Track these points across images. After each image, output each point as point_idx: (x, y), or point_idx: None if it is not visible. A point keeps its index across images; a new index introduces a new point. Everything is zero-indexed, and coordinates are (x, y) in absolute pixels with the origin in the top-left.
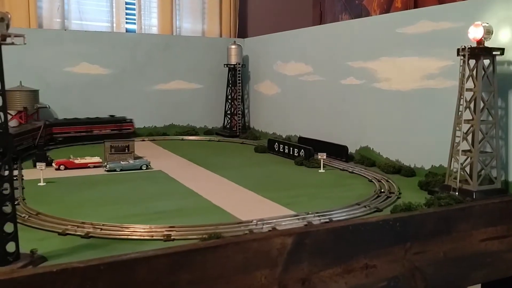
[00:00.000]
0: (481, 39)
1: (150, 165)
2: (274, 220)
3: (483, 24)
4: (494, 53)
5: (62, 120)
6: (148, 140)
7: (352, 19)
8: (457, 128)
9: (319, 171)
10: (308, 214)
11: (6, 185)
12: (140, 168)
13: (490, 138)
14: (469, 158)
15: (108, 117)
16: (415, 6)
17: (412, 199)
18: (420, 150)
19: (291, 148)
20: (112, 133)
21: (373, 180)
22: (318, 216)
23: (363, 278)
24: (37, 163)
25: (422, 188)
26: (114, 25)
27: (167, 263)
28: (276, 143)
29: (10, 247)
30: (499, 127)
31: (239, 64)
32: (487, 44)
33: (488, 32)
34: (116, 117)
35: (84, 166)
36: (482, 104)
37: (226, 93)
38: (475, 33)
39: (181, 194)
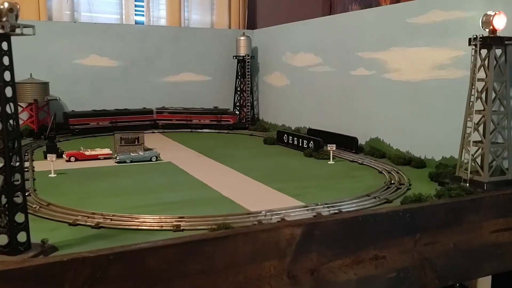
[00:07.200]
0: (493, 28)
1: (159, 157)
2: (283, 211)
3: (495, 13)
4: (506, 42)
5: (168, 108)
6: (158, 132)
7: (362, 9)
8: (468, 119)
9: (329, 162)
10: (317, 205)
11: (17, 176)
12: (150, 160)
13: (502, 129)
14: (480, 149)
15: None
16: None
17: (422, 190)
18: (431, 141)
19: (300, 140)
20: (211, 123)
21: (383, 172)
22: (328, 207)
23: (373, 269)
24: (48, 155)
25: (432, 179)
26: (123, 17)
27: (176, 253)
28: (285, 135)
29: (21, 237)
30: (511, 117)
31: (248, 56)
32: (500, 33)
33: (500, 21)
34: (217, 109)
35: (95, 157)
36: (493, 95)
37: (235, 85)
38: (487, 22)
39: (191, 185)
